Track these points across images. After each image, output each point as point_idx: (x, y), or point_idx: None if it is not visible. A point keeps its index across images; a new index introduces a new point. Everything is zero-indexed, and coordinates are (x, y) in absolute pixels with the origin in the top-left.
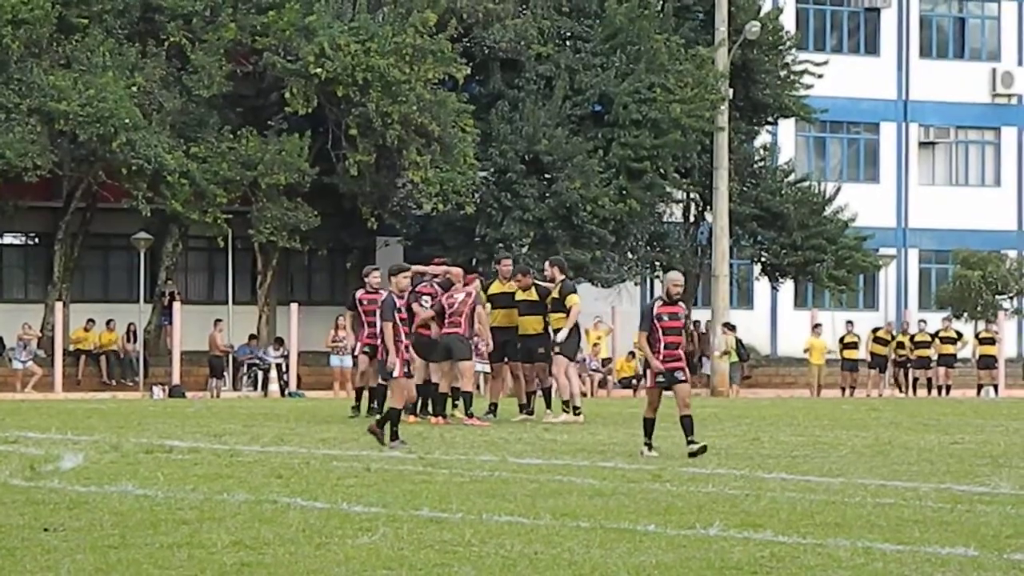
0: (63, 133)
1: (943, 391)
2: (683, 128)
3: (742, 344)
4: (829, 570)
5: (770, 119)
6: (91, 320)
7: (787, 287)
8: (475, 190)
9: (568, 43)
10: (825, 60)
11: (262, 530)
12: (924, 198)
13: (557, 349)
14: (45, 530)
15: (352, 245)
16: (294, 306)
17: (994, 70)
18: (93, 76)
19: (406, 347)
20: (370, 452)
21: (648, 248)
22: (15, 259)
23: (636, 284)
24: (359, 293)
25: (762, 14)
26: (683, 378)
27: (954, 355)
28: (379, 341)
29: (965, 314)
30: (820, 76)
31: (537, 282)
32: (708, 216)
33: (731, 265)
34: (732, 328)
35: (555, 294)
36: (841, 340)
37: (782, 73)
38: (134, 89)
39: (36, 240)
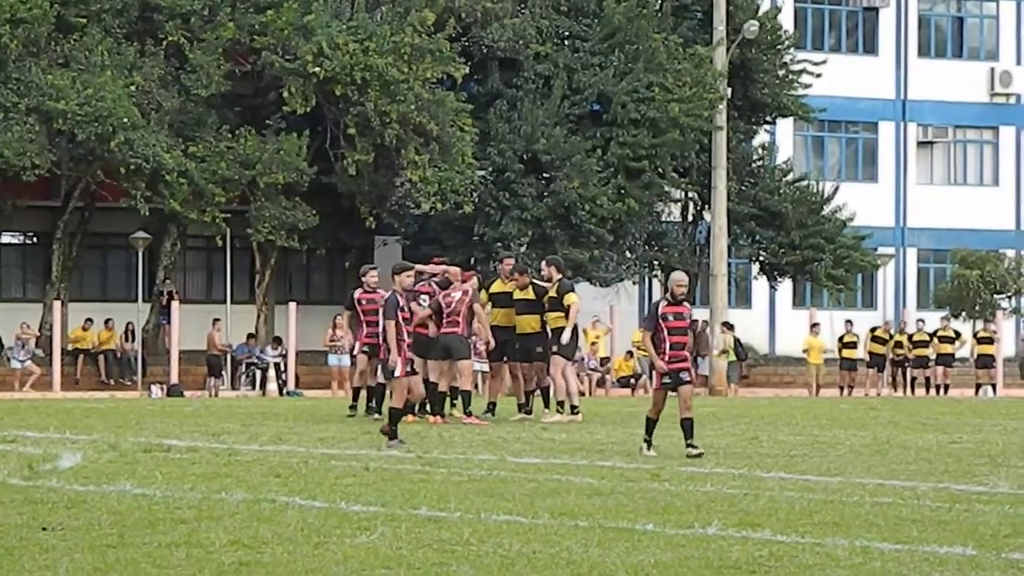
0: (61, 132)
1: (941, 390)
2: (681, 127)
3: (740, 343)
4: (827, 569)
5: (768, 118)
6: (89, 319)
7: (785, 286)
8: (473, 189)
9: (566, 42)
10: (823, 59)
11: (260, 529)
12: (922, 197)
13: (555, 349)
14: (43, 529)
15: (350, 244)
16: (292, 305)
17: (992, 69)
18: (91, 75)
19: (408, 346)
20: (368, 451)
21: (646, 247)
22: (13, 258)
23: (634, 283)
24: (357, 293)
25: (760, 13)
26: (688, 379)
27: (952, 354)
28: (379, 340)
29: (963, 313)
30: (818, 75)
31: (535, 281)
32: (706, 215)
33: (729, 264)
34: (730, 327)
35: (552, 293)
36: (840, 339)
37: (780, 72)
38: (132, 88)
39: (34, 239)
